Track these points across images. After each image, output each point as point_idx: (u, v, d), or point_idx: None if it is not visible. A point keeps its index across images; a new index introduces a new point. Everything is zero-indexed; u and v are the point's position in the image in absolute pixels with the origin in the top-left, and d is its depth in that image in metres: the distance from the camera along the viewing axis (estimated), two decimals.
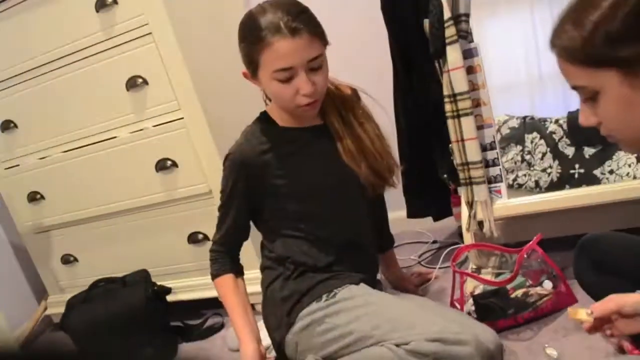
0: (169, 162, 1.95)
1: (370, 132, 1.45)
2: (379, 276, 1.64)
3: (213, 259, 1.50)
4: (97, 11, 1.83)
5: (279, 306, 1.41)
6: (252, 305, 1.55)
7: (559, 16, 0.89)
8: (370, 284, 1.47)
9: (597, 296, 1.24)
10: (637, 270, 1.19)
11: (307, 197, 1.41)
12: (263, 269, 1.52)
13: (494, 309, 1.51)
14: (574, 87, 0.90)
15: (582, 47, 0.84)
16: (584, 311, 1.14)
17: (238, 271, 1.51)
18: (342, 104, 1.46)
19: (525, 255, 1.55)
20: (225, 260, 1.49)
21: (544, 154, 1.82)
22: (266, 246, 1.51)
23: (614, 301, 1.10)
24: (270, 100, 1.45)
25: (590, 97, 0.88)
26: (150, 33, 1.81)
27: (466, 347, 1.18)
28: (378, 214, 1.64)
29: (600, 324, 1.15)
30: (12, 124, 2.12)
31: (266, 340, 1.53)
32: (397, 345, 1.20)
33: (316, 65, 1.29)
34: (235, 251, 1.52)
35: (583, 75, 0.87)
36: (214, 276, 1.50)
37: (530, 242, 1.55)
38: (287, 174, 1.39)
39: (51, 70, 1.98)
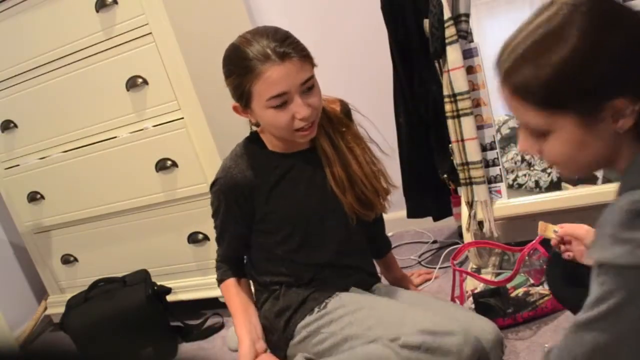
0: (169, 162, 1.95)
1: (360, 157, 1.42)
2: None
3: (217, 266, 1.53)
4: (97, 11, 1.83)
5: (274, 323, 1.42)
6: None
7: (511, 48, 0.87)
8: (363, 284, 1.48)
9: (571, 307, 1.23)
10: None
11: (289, 223, 1.40)
12: (254, 286, 1.53)
13: (493, 307, 1.52)
14: (524, 124, 0.87)
15: (542, 88, 0.81)
16: (552, 228, 1.20)
17: (242, 274, 1.52)
18: (331, 126, 1.42)
19: (527, 255, 1.55)
20: (229, 266, 1.51)
21: None
22: (247, 267, 1.52)
23: (585, 230, 1.14)
24: (257, 127, 1.43)
25: (539, 134, 0.86)
26: (150, 33, 1.81)
27: (454, 338, 1.20)
28: (374, 228, 1.60)
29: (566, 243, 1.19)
30: (12, 124, 2.12)
31: None
32: (391, 341, 1.23)
33: (309, 86, 1.27)
34: (239, 259, 1.53)
35: (537, 115, 0.83)
36: (219, 281, 1.52)
37: (533, 241, 1.55)
38: (273, 200, 1.38)
39: (51, 70, 1.98)
